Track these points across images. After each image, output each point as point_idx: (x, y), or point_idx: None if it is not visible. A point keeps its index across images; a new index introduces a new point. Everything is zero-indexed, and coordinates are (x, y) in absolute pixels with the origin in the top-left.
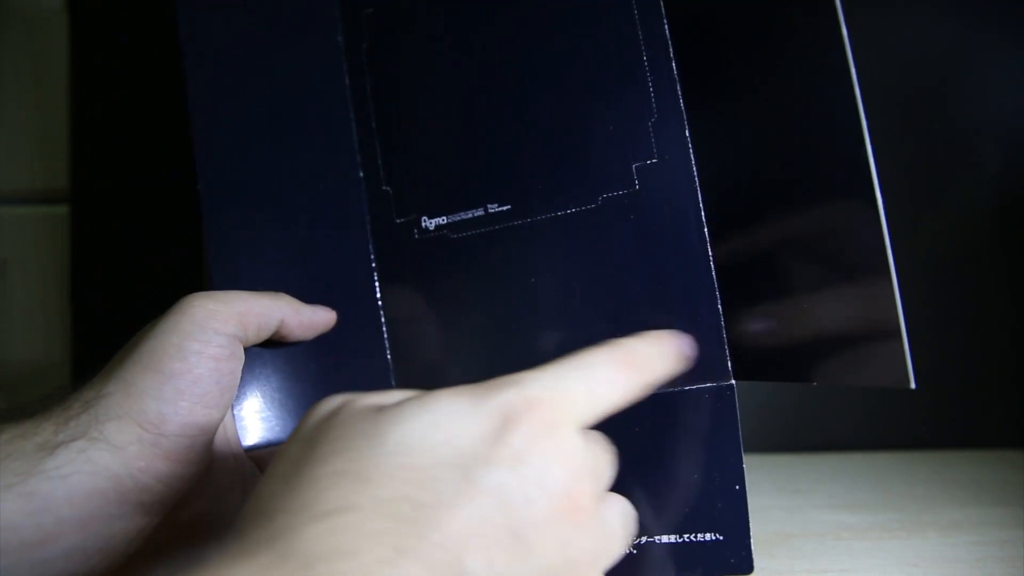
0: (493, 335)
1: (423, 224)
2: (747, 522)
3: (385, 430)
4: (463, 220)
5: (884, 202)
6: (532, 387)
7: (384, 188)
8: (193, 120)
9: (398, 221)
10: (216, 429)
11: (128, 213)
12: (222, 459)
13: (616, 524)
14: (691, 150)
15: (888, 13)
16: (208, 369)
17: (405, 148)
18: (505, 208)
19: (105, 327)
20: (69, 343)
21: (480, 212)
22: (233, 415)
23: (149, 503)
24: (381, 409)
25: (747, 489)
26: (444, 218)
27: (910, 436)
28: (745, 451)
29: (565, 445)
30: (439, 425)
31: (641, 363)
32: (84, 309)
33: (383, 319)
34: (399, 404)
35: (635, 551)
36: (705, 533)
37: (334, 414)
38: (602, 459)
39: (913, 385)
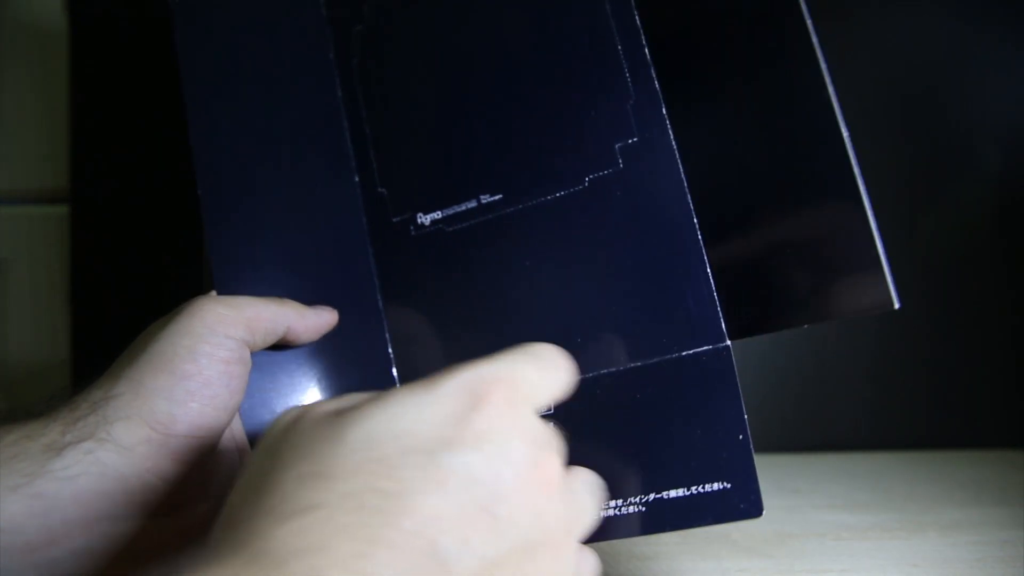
0: (493, 321)
1: (419, 220)
2: (753, 469)
3: (346, 430)
4: (457, 213)
5: (884, 200)
6: (488, 370)
7: (379, 190)
8: (192, 131)
9: (394, 220)
10: (223, 431)
11: (128, 213)
12: (228, 461)
13: (584, 493)
14: (670, 127)
15: (888, 13)
16: (218, 372)
17: (397, 151)
18: (497, 197)
19: (105, 327)
20: (69, 343)
21: (473, 204)
22: (240, 415)
23: (155, 504)
24: (340, 412)
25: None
26: (439, 213)
27: (910, 436)
28: None
29: (525, 422)
30: (399, 416)
31: (571, 364)
32: (84, 309)
33: (384, 315)
34: (357, 405)
35: (644, 508)
36: (713, 483)
37: (295, 423)
38: (558, 436)
39: (897, 305)
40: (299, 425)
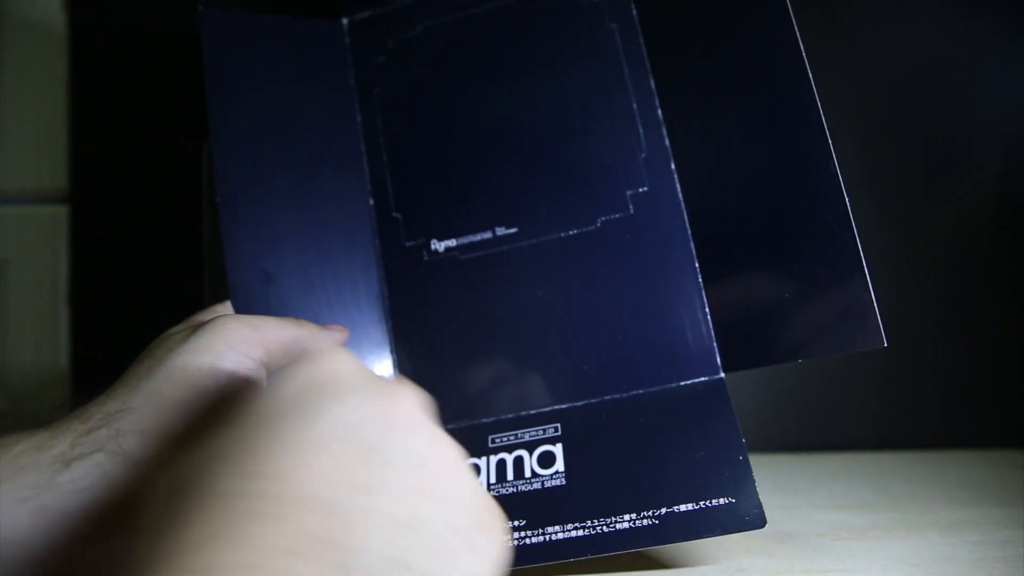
0: (501, 347)
1: (432, 247)
2: (754, 485)
3: (214, 442)
4: (472, 242)
5: (885, 200)
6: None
7: (394, 215)
8: (214, 146)
9: (408, 245)
10: None
11: (128, 213)
12: None
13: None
14: (677, 180)
15: (888, 14)
16: (238, 390)
17: (415, 179)
18: (513, 230)
19: (104, 327)
20: (68, 343)
21: (488, 235)
22: None
23: None
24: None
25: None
26: (453, 240)
27: (910, 436)
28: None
29: (357, 366)
30: (248, 414)
31: None
32: (84, 309)
33: (392, 336)
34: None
35: (657, 521)
36: (719, 498)
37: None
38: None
39: (885, 343)
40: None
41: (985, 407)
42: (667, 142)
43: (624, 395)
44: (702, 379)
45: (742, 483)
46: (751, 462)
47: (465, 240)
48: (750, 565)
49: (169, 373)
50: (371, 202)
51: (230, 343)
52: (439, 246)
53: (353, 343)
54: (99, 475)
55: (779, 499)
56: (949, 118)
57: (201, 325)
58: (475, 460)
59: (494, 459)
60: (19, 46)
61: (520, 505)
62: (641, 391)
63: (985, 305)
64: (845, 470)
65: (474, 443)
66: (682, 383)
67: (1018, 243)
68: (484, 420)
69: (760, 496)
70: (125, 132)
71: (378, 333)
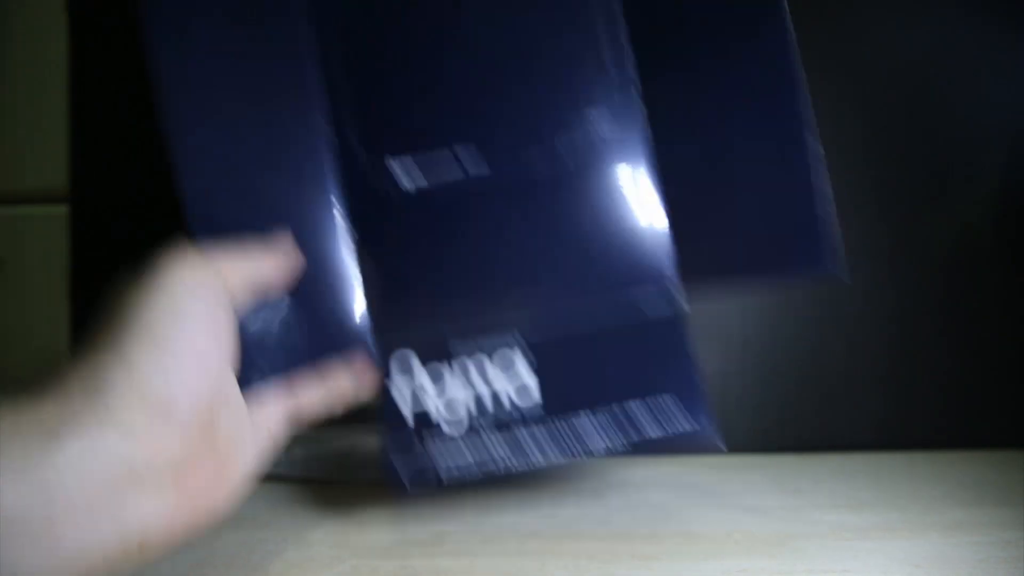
0: (463, 272)
1: (392, 171)
2: (697, 384)
3: None
4: (434, 167)
5: (886, 200)
6: None
7: (353, 142)
8: (160, 87)
9: (366, 166)
10: (218, 393)
11: (128, 213)
12: (227, 425)
13: None
14: (640, 101)
15: (891, 13)
16: (204, 329)
17: (373, 100)
18: (471, 148)
19: None
20: (68, 343)
21: (449, 156)
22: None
23: (159, 480)
24: None
25: (705, 385)
26: (410, 158)
27: (912, 436)
28: (747, 451)
29: None
30: None
31: None
32: (83, 309)
33: (359, 268)
34: None
35: (601, 415)
36: (662, 395)
37: None
38: None
39: (836, 270)
40: None
41: (987, 407)
42: (632, 71)
43: (583, 301)
44: (657, 286)
45: (683, 375)
46: (753, 462)
47: (421, 157)
48: (751, 565)
49: (133, 333)
50: (330, 129)
51: (184, 282)
52: (398, 170)
53: (320, 276)
54: (91, 446)
55: (781, 499)
56: (952, 118)
57: (152, 268)
58: (438, 364)
59: (456, 364)
60: (19, 44)
61: (493, 417)
62: (599, 296)
63: (987, 305)
64: (847, 470)
65: (436, 349)
66: (637, 287)
67: (1020, 244)
68: (450, 337)
69: (762, 496)
70: (125, 131)
71: (343, 266)
